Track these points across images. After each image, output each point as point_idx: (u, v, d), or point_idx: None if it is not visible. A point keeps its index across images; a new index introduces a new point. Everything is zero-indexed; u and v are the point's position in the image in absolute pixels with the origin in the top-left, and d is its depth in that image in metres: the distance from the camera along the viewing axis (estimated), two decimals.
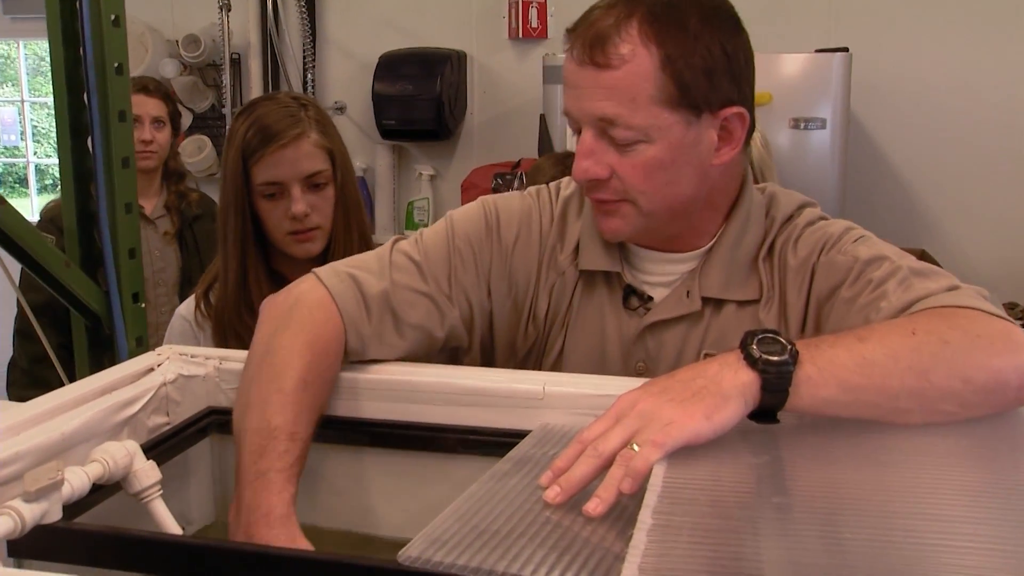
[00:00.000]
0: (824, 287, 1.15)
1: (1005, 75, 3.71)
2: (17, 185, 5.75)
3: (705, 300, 1.20)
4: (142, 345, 1.84)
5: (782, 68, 3.37)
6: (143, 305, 1.85)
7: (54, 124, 1.79)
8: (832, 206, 3.28)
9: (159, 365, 1.18)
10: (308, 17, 4.28)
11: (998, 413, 0.98)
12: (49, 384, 1.23)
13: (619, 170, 1.13)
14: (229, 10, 4.14)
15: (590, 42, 1.10)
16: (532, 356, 1.27)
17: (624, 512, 0.84)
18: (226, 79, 4.26)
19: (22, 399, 1.06)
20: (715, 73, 1.10)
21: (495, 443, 1.06)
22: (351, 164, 1.76)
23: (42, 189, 5.57)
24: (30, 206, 5.27)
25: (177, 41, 4.35)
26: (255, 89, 4.28)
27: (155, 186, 2.90)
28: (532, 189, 1.32)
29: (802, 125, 3.38)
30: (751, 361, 0.91)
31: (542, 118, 3.63)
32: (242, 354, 1.16)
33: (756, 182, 1.27)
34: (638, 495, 0.82)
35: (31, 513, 0.85)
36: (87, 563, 0.88)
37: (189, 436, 1.15)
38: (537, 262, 1.26)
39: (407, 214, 4.34)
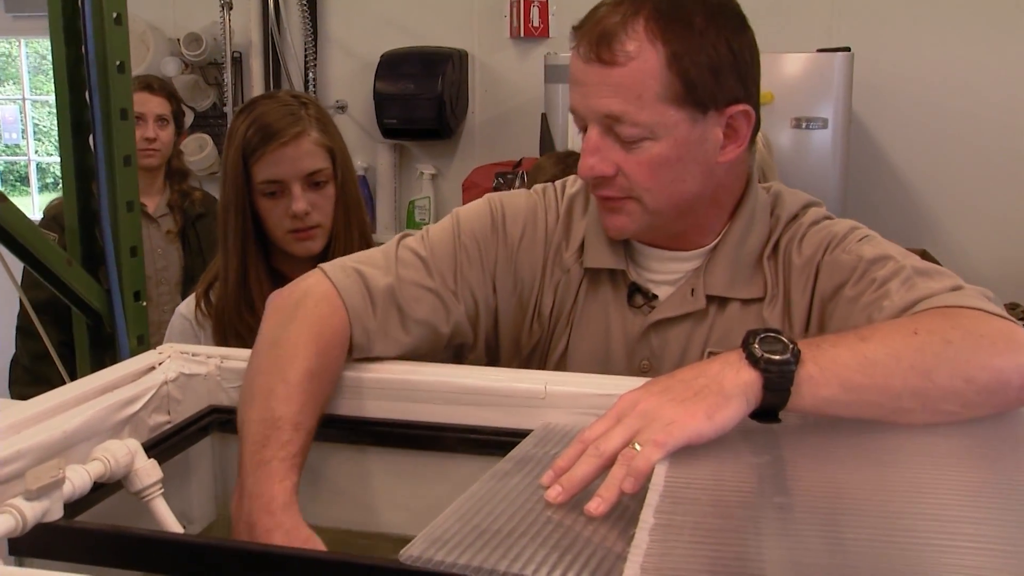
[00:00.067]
0: (828, 286, 1.15)
1: (1007, 75, 3.71)
2: (18, 183, 5.76)
3: (710, 298, 1.20)
4: (143, 343, 1.84)
5: (784, 68, 3.37)
6: (144, 303, 1.85)
7: (55, 122, 1.79)
8: (833, 206, 3.27)
9: (160, 363, 1.18)
10: (310, 16, 4.27)
11: (1000, 413, 0.98)
12: (51, 382, 1.23)
13: (625, 167, 1.13)
14: (230, 9, 4.14)
15: (596, 39, 1.10)
16: (537, 354, 1.27)
17: (626, 512, 0.84)
18: (227, 78, 4.25)
19: (24, 397, 1.06)
20: (721, 71, 1.10)
21: (496, 442, 1.06)
22: (351, 162, 1.76)
23: (43, 187, 5.58)
24: (31, 204, 5.27)
25: (178, 39, 4.35)
26: (256, 88, 4.28)
27: (158, 184, 2.90)
28: (538, 187, 1.32)
29: (804, 125, 3.38)
30: (753, 360, 0.91)
31: (543, 117, 3.62)
32: (244, 353, 1.16)
33: (759, 182, 1.27)
34: (640, 495, 0.82)
35: (32, 511, 0.85)
36: (88, 561, 0.88)
37: (190, 435, 1.15)
38: (542, 260, 1.26)
39: (408, 213, 4.34)
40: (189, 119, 4.31)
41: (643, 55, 1.09)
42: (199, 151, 4.20)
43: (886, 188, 3.87)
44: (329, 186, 1.69)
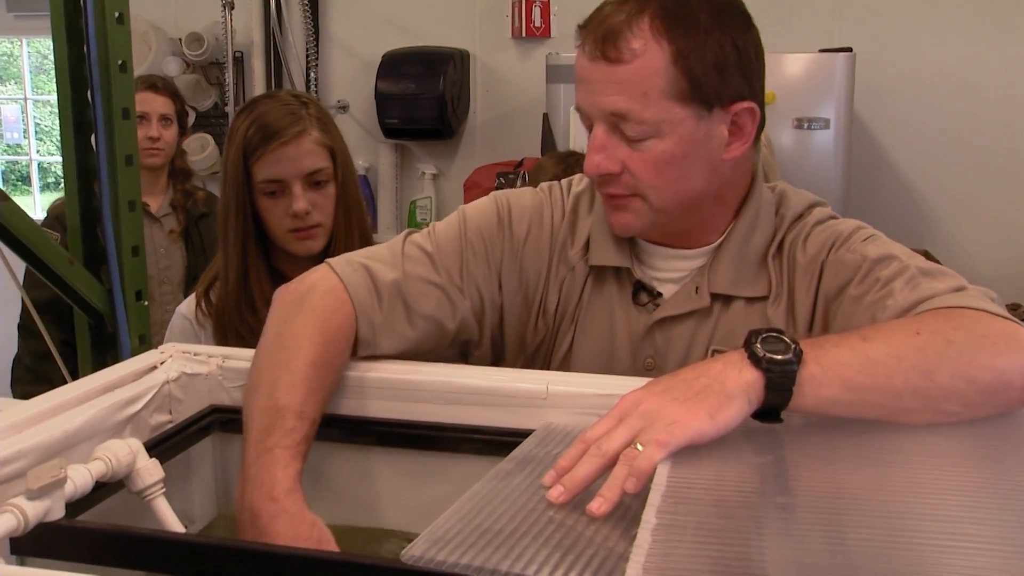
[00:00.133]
0: (832, 285, 1.15)
1: (1009, 75, 3.71)
2: (20, 183, 5.76)
3: (714, 296, 1.20)
4: (145, 343, 1.84)
5: (786, 68, 3.37)
6: (146, 303, 1.86)
7: (57, 122, 1.79)
8: (835, 206, 3.26)
9: (162, 363, 1.18)
10: (311, 16, 4.27)
11: (1002, 413, 0.98)
12: (52, 381, 1.23)
13: (630, 165, 1.13)
14: (232, 8, 4.14)
15: (602, 37, 1.10)
16: (542, 351, 1.27)
17: (628, 512, 0.84)
18: (229, 77, 4.25)
19: (26, 396, 1.06)
20: (726, 68, 1.11)
21: (498, 442, 1.06)
22: (352, 162, 1.76)
23: (44, 187, 5.58)
24: (33, 204, 5.28)
25: (180, 39, 4.35)
26: (258, 88, 4.28)
27: (161, 184, 2.90)
28: (544, 185, 1.32)
29: (805, 125, 3.38)
30: (755, 360, 0.91)
31: (545, 117, 3.62)
32: (245, 352, 1.16)
33: None
34: (642, 495, 0.82)
35: (34, 511, 0.85)
36: (89, 561, 0.88)
37: (192, 434, 1.15)
38: (548, 257, 1.27)
39: (409, 213, 4.34)
40: (191, 119, 4.31)
41: (648, 53, 1.09)
42: (200, 151, 4.20)
43: (887, 188, 3.87)
44: (330, 185, 1.69)
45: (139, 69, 3.78)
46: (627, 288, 1.24)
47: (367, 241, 1.72)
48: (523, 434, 1.03)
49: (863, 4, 3.81)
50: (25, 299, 1.95)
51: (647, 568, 0.70)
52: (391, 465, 1.15)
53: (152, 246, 2.74)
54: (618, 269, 1.24)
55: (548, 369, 1.26)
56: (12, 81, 5.68)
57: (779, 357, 0.91)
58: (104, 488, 0.98)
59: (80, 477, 0.93)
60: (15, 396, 2.60)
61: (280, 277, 1.64)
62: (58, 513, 0.88)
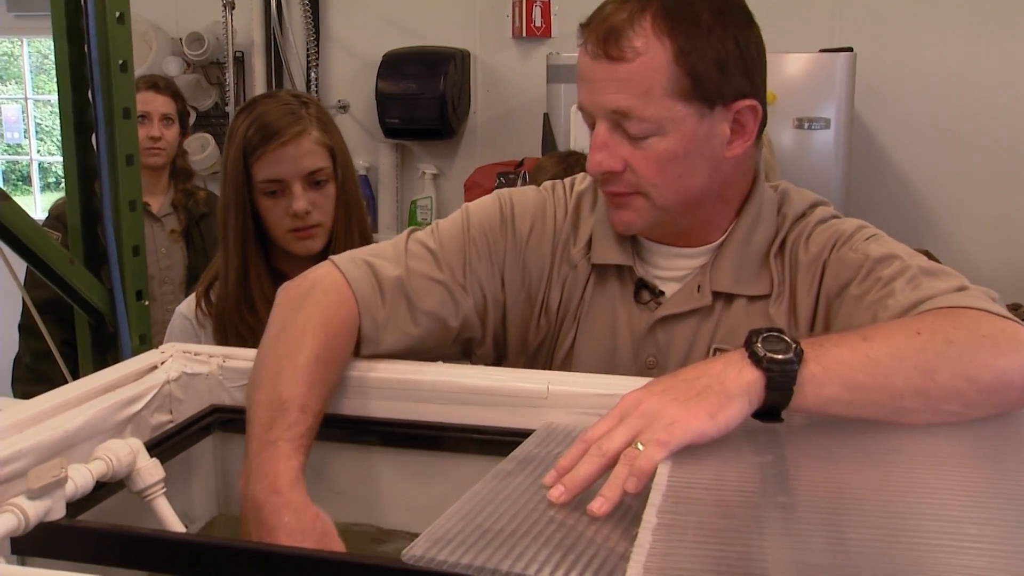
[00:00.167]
0: (834, 284, 1.15)
1: (1009, 75, 3.70)
2: (20, 183, 5.76)
3: (716, 295, 1.20)
4: (146, 343, 1.84)
5: (786, 68, 3.37)
6: (147, 303, 1.86)
7: (57, 122, 1.79)
8: (836, 206, 3.26)
9: (162, 363, 1.18)
10: (312, 15, 4.27)
11: (1002, 413, 0.98)
12: (53, 380, 1.23)
13: (633, 163, 1.13)
14: (233, 8, 4.14)
15: (604, 36, 1.11)
16: (544, 349, 1.27)
17: (628, 511, 0.84)
18: (229, 77, 4.25)
19: (27, 395, 1.06)
20: (728, 66, 1.11)
21: (499, 442, 1.06)
22: (352, 162, 1.76)
23: (45, 187, 5.58)
24: (33, 204, 5.28)
25: (180, 39, 4.35)
26: (258, 87, 4.28)
27: (162, 183, 2.90)
28: (547, 183, 1.33)
29: (806, 125, 3.37)
30: (755, 360, 0.91)
31: (545, 117, 3.62)
32: (246, 352, 1.16)
33: None
34: (642, 494, 0.82)
35: (35, 510, 0.85)
36: (90, 560, 0.88)
37: (192, 434, 1.15)
38: (550, 255, 1.27)
39: (410, 213, 4.34)
40: (192, 119, 4.31)
41: (650, 51, 1.09)
42: (201, 151, 4.20)
43: (888, 188, 3.87)
44: (329, 185, 1.69)
45: (140, 69, 3.78)
46: (629, 286, 1.24)
47: (367, 241, 1.72)
48: (524, 434, 1.03)
49: (863, 4, 3.81)
50: (26, 299, 1.95)
51: (648, 568, 0.70)
52: (392, 465, 1.15)
53: (153, 246, 2.74)
54: (620, 267, 1.24)
55: (550, 367, 1.26)
56: (13, 81, 5.68)
57: (779, 356, 0.91)
58: (105, 488, 0.98)
59: (81, 477, 0.93)
60: (16, 396, 2.60)
61: (280, 277, 1.64)
62: (59, 513, 0.88)
